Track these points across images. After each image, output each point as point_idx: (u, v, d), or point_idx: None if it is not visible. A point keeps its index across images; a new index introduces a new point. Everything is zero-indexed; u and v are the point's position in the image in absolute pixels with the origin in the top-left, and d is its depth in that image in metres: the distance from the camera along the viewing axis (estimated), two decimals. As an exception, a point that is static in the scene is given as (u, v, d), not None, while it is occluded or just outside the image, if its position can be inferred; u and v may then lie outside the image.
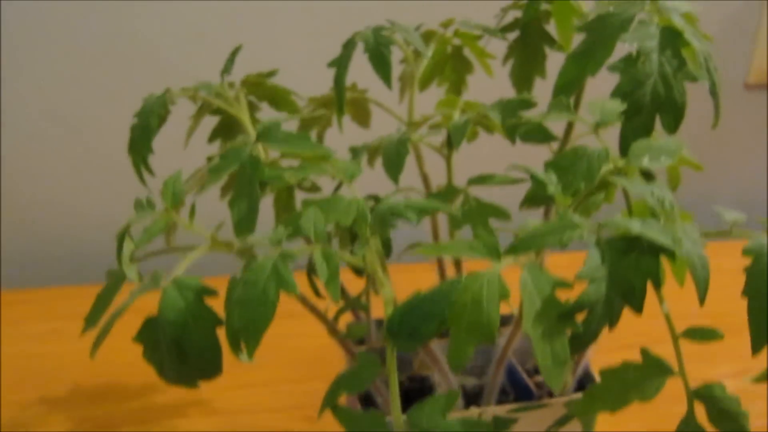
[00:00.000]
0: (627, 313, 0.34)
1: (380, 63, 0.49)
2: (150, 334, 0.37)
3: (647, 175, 0.39)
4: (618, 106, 0.41)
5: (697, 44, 0.43)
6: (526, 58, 0.57)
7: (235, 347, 0.34)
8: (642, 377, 0.35)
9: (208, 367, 0.36)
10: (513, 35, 0.55)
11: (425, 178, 0.54)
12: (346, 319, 0.50)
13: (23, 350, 0.74)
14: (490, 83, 0.57)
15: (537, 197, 0.37)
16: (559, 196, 0.36)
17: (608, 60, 0.43)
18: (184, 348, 0.36)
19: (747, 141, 1.02)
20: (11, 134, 0.90)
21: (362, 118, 0.61)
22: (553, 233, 0.34)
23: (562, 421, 0.49)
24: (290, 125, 0.55)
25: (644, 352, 0.36)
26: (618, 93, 0.42)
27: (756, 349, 0.34)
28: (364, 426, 0.32)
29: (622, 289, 0.34)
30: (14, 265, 0.92)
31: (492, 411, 0.48)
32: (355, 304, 0.47)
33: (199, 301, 0.36)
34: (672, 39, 0.43)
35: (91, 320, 0.40)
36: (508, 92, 0.53)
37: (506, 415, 0.47)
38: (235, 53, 0.53)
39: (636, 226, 0.34)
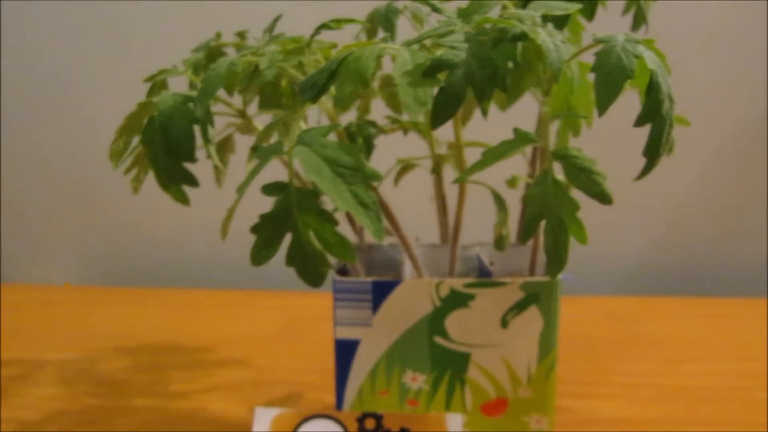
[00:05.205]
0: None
1: (388, 24, 0.62)
2: (149, 133, 0.49)
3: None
4: None
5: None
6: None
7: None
8: (512, 145, 0.42)
9: (185, 153, 0.48)
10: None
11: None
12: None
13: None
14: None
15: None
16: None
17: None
18: (169, 134, 0.48)
19: None
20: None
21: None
22: (434, 32, 0.44)
23: (521, 305, 0.54)
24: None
25: (516, 130, 0.43)
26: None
27: (601, 110, 0.40)
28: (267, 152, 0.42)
29: (487, 68, 0.42)
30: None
31: (450, 282, 0.54)
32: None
33: (183, 103, 0.49)
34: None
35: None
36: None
37: (463, 289, 0.53)
38: (276, 20, 0.68)
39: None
